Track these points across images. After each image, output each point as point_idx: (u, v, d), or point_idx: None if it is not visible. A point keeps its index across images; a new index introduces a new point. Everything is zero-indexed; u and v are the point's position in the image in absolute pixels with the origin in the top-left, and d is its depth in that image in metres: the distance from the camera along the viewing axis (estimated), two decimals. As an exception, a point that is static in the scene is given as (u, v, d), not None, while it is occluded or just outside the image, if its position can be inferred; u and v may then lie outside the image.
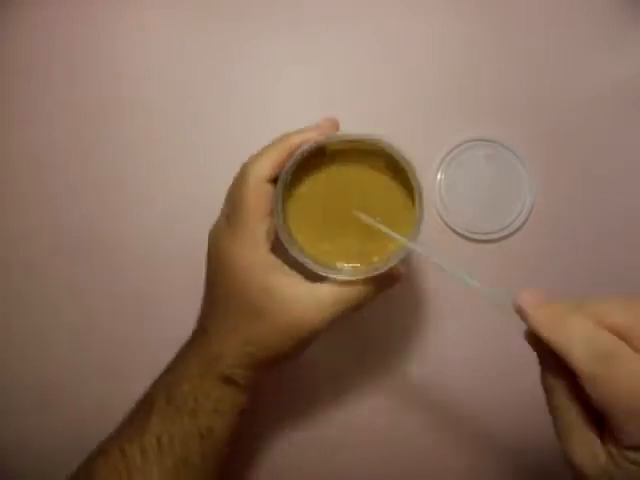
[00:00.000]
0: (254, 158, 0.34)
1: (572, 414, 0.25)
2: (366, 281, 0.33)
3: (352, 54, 0.48)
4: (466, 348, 0.45)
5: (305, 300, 0.32)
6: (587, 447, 0.24)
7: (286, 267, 0.33)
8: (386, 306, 0.45)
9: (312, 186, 0.35)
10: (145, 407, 0.34)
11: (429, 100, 0.47)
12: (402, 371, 0.45)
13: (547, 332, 0.25)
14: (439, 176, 0.46)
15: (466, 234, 0.46)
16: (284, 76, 0.47)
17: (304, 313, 0.32)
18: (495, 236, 0.45)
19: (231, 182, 0.35)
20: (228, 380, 0.34)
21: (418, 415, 0.45)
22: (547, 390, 0.26)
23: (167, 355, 0.37)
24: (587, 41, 0.48)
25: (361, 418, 0.45)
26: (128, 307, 0.45)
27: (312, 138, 0.33)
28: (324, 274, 0.33)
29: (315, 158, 0.34)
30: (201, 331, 0.36)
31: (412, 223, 0.32)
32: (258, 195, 0.33)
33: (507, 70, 0.48)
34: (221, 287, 0.34)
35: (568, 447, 0.25)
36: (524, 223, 0.46)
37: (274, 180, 0.33)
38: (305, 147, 0.32)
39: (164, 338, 0.44)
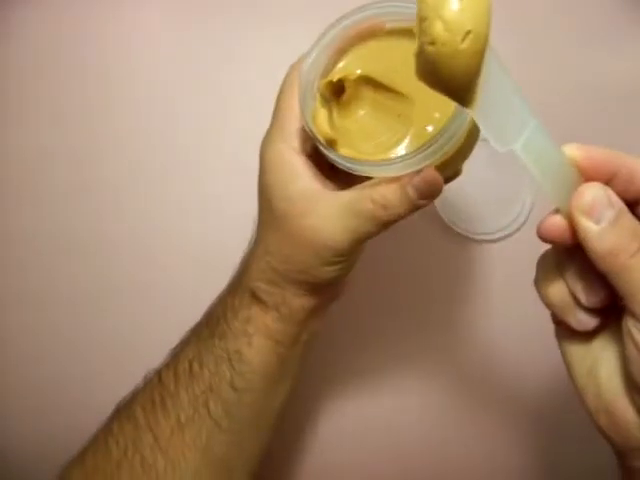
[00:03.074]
0: (302, 57, 0.30)
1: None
2: (387, 184, 0.26)
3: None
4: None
5: (323, 209, 0.28)
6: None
7: (318, 174, 0.29)
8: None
9: (360, 72, 0.29)
10: (190, 331, 0.33)
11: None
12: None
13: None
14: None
15: (466, 234, 0.46)
16: (283, 76, 0.47)
17: (319, 222, 0.28)
18: (495, 236, 0.45)
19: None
20: (253, 295, 0.31)
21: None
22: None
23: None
24: (587, 41, 0.48)
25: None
26: (128, 307, 0.45)
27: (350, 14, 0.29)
28: (339, 162, 0.27)
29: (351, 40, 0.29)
30: (247, 248, 0.33)
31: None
32: (293, 91, 0.29)
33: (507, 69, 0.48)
34: (260, 193, 0.31)
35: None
36: (524, 223, 0.46)
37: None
38: (342, 21, 0.29)
39: (166, 339, 0.44)
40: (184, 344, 0.33)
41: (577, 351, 0.24)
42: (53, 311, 0.45)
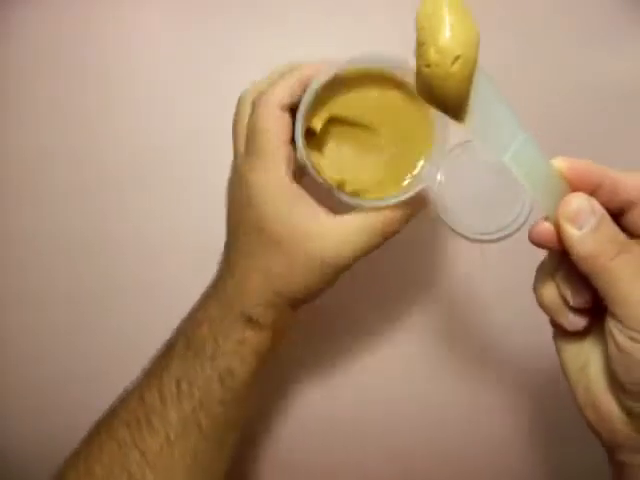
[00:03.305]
0: (268, 87, 0.32)
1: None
2: (393, 207, 0.31)
3: (352, 54, 0.48)
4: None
5: (328, 231, 0.31)
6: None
7: (309, 198, 0.32)
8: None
9: (330, 114, 0.33)
10: (165, 353, 0.34)
11: (429, 100, 0.47)
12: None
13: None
14: (439, 176, 0.45)
15: (466, 234, 0.46)
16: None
17: (327, 244, 0.31)
18: (495, 236, 0.45)
19: (228, 181, 0.35)
20: (249, 320, 0.32)
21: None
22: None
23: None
24: (587, 41, 0.48)
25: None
26: (128, 307, 0.45)
27: (323, 69, 0.32)
28: (351, 202, 0.32)
29: (328, 87, 0.33)
30: (220, 275, 0.34)
31: (434, 140, 0.32)
32: (276, 120, 0.31)
33: (507, 70, 0.48)
34: (241, 223, 0.32)
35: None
36: (524, 223, 0.46)
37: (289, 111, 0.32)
38: (322, 77, 0.32)
39: (167, 338, 0.44)
40: (159, 369, 0.33)
41: (570, 350, 0.27)
42: (53, 311, 0.45)
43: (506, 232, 0.46)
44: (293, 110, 0.32)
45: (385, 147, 0.34)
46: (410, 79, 0.32)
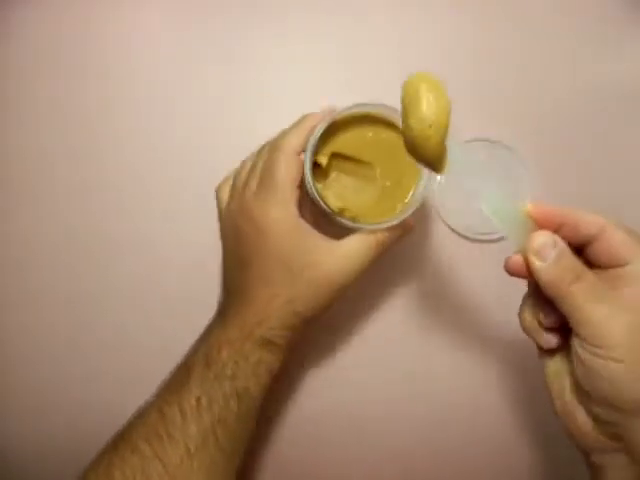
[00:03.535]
0: (284, 134, 0.38)
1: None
2: (387, 229, 0.37)
3: (352, 54, 0.48)
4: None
5: (335, 255, 0.36)
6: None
7: (313, 229, 0.37)
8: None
9: (332, 151, 0.40)
10: (183, 373, 0.36)
11: (429, 100, 0.47)
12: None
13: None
14: (439, 176, 0.46)
15: (466, 234, 0.46)
16: (283, 75, 0.47)
17: (332, 266, 0.36)
18: (495, 236, 0.45)
19: (226, 215, 0.38)
20: (269, 343, 0.36)
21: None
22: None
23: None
24: (587, 41, 0.48)
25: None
26: (128, 307, 0.45)
27: (326, 117, 0.38)
28: (350, 226, 0.38)
29: (329, 131, 0.39)
30: (233, 301, 0.38)
31: (422, 172, 0.38)
32: (290, 164, 0.37)
33: (507, 70, 0.48)
34: (255, 254, 0.37)
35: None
36: (524, 223, 0.46)
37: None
38: (325, 121, 0.38)
39: (167, 339, 0.44)
40: (178, 386, 0.36)
41: (549, 365, 0.31)
42: (53, 311, 0.45)
43: (506, 232, 0.46)
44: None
45: (380, 179, 0.40)
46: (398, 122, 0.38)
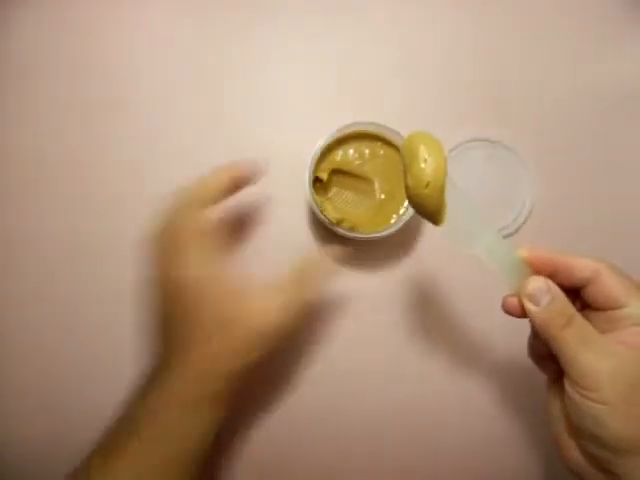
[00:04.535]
0: (193, 187, 0.39)
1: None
2: (300, 277, 0.38)
3: (353, 54, 0.48)
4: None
5: (266, 300, 0.36)
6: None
7: (241, 278, 0.37)
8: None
9: (333, 167, 0.43)
10: (127, 429, 0.35)
11: (429, 100, 0.47)
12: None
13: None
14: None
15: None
16: (283, 75, 0.48)
17: (270, 310, 0.36)
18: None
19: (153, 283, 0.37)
20: (216, 396, 0.35)
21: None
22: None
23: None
24: (588, 41, 0.48)
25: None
26: (129, 307, 0.45)
27: (326, 137, 0.41)
28: (348, 235, 0.41)
29: (329, 147, 0.43)
30: (176, 361, 0.36)
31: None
32: (193, 217, 0.37)
33: (508, 70, 0.48)
34: (191, 312, 0.36)
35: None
36: (524, 223, 0.46)
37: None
38: (322, 141, 0.41)
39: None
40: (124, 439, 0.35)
41: (552, 396, 0.32)
42: (53, 311, 0.45)
43: (506, 232, 0.46)
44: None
45: (377, 193, 0.43)
46: (396, 140, 0.42)
